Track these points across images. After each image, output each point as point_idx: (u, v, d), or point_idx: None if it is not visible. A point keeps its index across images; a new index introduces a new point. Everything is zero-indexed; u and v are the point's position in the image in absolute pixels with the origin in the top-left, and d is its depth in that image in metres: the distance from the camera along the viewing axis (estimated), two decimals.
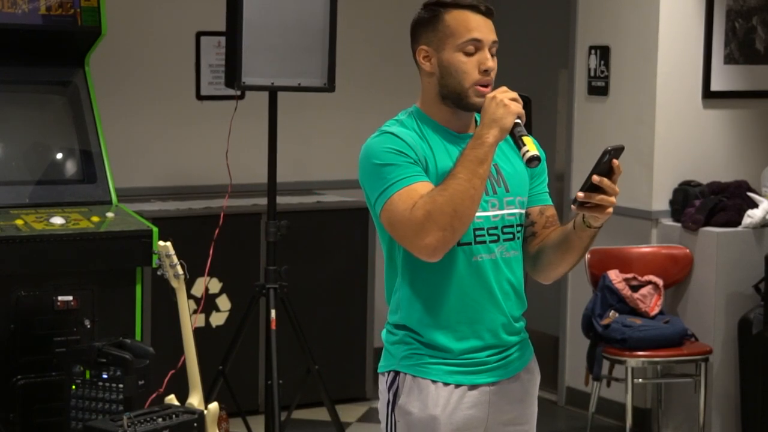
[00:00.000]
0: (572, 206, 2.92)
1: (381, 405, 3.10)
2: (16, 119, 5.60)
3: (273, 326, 5.32)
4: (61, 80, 5.64)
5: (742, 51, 6.36)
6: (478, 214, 2.95)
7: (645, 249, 6.13)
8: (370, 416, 6.47)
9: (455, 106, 3.04)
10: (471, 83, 3.00)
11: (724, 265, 5.96)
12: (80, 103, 5.61)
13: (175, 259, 4.92)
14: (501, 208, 3.05)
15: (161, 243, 4.95)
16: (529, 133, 2.96)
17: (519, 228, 3.09)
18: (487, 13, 3.03)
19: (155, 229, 5.34)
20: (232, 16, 5.22)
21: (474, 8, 3.01)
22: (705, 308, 6.01)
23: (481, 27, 3.00)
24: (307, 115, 7.00)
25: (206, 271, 5.63)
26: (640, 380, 6.02)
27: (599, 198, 2.87)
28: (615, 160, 2.86)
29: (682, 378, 6.03)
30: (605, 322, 5.82)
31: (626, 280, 5.95)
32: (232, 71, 5.21)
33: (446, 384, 3.02)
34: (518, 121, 2.91)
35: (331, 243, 6.53)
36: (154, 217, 5.89)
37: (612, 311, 5.85)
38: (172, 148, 6.72)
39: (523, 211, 3.11)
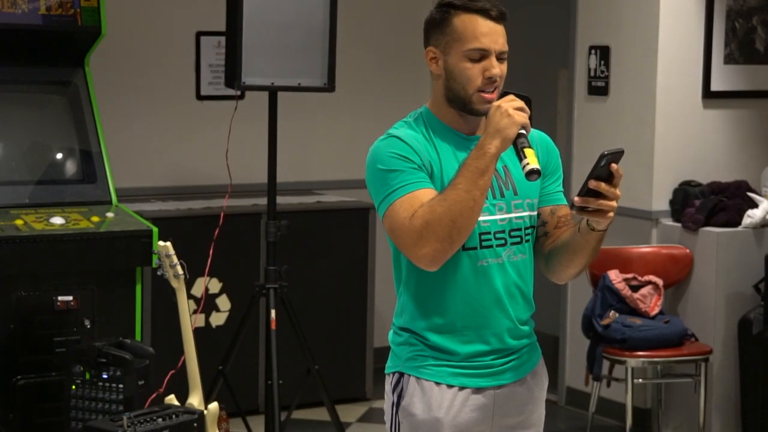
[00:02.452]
0: (571, 210, 2.91)
1: (386, 406, 3.10)
2: (16, 119, 5.60)
3: (273, 326, 5.32)
4: (61, 80, 5.64)
5: (742, 51, 6.36)
6: (484, 217, 2.94)
7: (645, 249, 6.12)
8: (370, 416, 6.47)
9: (461, 110, 3.01)
10: (474, 89, 2.97)
11: (724, 265, 5.96)
12: (80, 103, 5.61)
13: (175, 259, 4.91)
14: (509, 211, 3.03)
15: (161, 243, 4.95)
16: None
17: (528, 231, 3.06)
18: (498, 18, 2.97)
19: (155, 229, 5.34)
20: (232, 16, 5.22)
21: (484, 13, 2.96)
22: (705, 308, 6.01)
23: (489, 33, 2.96)
24: (307, 115, 6.99)
25: (206, 271, 5.63)
26: (640, 380, 6.02)
27: (598, 202, 2.84)
28: (614, 165, 2.83)
29: (682, 378, 6.03)
30: (605, 322, 5.82)
31: (626, 280, 5.95)
32: (232, 71, 5.21)
33: (450, 386, 3.01)
34: (522, 131, 2.88)
35: (331, 243, 6.53)
36: (154, 217, 5.89)
37: (612, 311, 5.85)
38: (172, 148, 6.72)
39: (533, 213, 3.08)
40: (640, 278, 5.98)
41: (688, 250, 6.06)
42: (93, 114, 5.61)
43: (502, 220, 3.01)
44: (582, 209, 2.86)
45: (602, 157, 2.81)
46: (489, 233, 2.99)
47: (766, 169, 6.24)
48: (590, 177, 2.82)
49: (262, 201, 5.96)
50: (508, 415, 3.08)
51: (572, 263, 3.04)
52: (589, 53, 6.45)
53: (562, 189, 3.16)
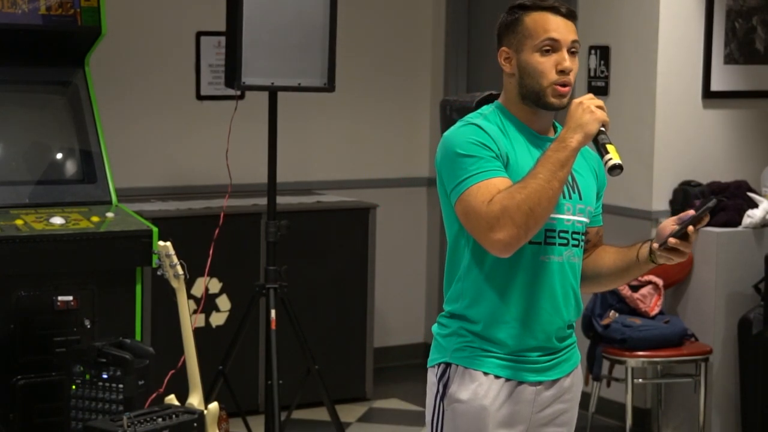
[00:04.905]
0: (655, 245, 3.03)
1: (429, 398, 3.12)
2: (16, 119, 5.59)
3: (273, 326, 5.32)
4: (61, 80, 5.64)
5: (742, 51, 6.36)
6: (552, 215, 2.99)
7: None
8: (370, 416, 6.47)
9: (535, 105, 3.07)
10: (549, 83, 3.02)
11: (724, 265, 5.96)
12: (80, 103, 5.61)
13: (175, 259, 4.91)
14: (574, 214, 3.09)
15: (161, 243, 4.95)
16: None
17: (583, 237, 3.14)
18: (567, 15, 3.06)
19: (155, 229, 5.34)
20: (232, 16, 5.22)
21: (554, 9, 3.05)
22: (705, 308, 6.01)
23: (559, 28, 3.03)
24: (307, 115, 6.99)
25: (206, 271, 5.63)
26: (640, 380, 6.02)
27: (684, 245, 2.99)
28: (707, 215, 3.00)
29: (682, 378, 6.03)
30: (605, 322, 5.82)
31: None
32: (232, 71, 5.21)
33: (497, 377, 3.05)
34: (602, 128, 2.96)
35: (331, 243, 6.53)
36: (154, 217, 5.89)
37: (612, 311, 5.85)
38: (172, 148, 6.72)
39: (588, 221, 3.17)
40: (639, 278, 5.98)
41: None
42: (93, 114, 5.60)
43: (568, 221, 3.08)
44: (669, 248, 3.00)
45: (707, 208, 2.96)
46: (554, 231, 3.05)
47: (766, 169, 6.24)
48: (690, 223, 2.97)
49: (262, 201, 5.96)
50: (545, 412, 3.12)
51: (613, 284, 3.24)
52: (589, 53, 6.45)
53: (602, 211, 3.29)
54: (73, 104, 5.61)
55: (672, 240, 2.97)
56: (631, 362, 5.78)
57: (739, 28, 6.32)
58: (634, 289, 5.94)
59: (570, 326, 3.14)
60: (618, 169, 2.93)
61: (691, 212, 3.02)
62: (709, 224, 5.96)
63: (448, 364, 3.08)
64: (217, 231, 5.53)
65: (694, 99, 6.28)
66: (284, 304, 5.40)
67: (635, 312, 5.89)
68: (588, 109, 2.94)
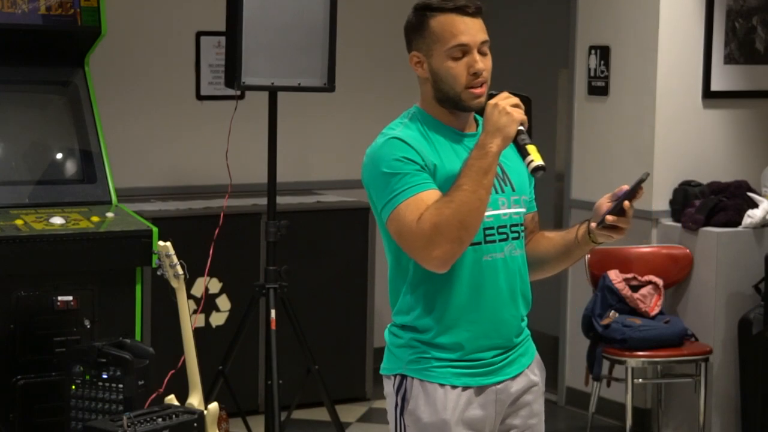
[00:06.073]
0: (592, 224, 2.98)
1: (389, 407, 3.10)
2: (16, 119, 5.60)
3: (273, 326, 5.32)
4: (61, 80, 5.64)
5: (742, 51, 6.36)
6: (488, 213, 2.96)
7: (645, 249, 6.12)
8: (370, 416, 6.47)
9: (453, 108, 3.04)
10: (463, 87, 2.99)
11: (724, 265, 5.96)
12: (80, 103, 5.61)
13: (175, 259, 4.91)
14: (509, 207, 3.06)
15: (161, 243, 4.95)
16: (530, 133, 2.97)
17: (522, 227, 3.11)
18: (474, 14, 3.00)
19: (155, 229, 5.34)
20: (232, 16, 5.22)
21: (459, 10, 2.99)
22: (705, 308, 6.01)
23: (467, 30, 2.98)
24: (307, 115, 6.99)
25: (206, 271, 5.62)
26: (640, 380, 6.02)
27: (623, 222, 2.96)
28: (642, 188, 2.95)
29: (682, 378, 6.03)
30: (605, 322, 5.82)
31: (626, 280, 5.94)
32: (232, 71, 5.21)
33: (454, 387, 3.02)
34: (521, 128, 2.92)
35: (331, 243, 6.53)
36: (154, 217, 5.90)
37: (612, 311, 5.85)
38: (172, 148, 6.72)
39: (525, 211, 3.13)
40: (640, 278, 5.98)
41: (688, 250, 6.05)
42: (93, 114, 5.61)
43: (504, 215, 3.05)
44: (608, 226, 2.96)
45: (640, 180, 2.92)
46: (492, 228, 3.02)
47: (766, 169, 6.23)
48: (625, 198, 2.93)
49: (262, 201, 5.96)
50: (512, 409, 3.11)
51: (556, 268, 3.18)
52: (589, 53, 6.45)
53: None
54: (73, 104, 5.61)
55: (609, 217, 2.93)
56: (631, 362, 5.78)
57: (739, 28, 6.33)
58: (634, 289, 5.94)
59: (523, 319, 3.12)
60: (541, 171, 2.90)
61: (625, 187, 2.98)
62: (709, 224, 6.00)
63: (404, 377, 3.05)
64: (217, 231, 5.52)
65: (694, 99, 6.28)
66: (284, 304, 5.40)
67: (635, 312, 5.89)
68: (504, 110, 2.90)
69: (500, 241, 3.03)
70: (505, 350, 3.07)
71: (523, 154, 2.92)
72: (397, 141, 2.97)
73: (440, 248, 2.86)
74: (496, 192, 3.01)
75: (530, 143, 2.92)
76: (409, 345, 3.05)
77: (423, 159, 2.95)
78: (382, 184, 2.95)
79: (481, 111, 3.00)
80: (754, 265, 5.93)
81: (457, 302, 3.00)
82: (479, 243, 2.99)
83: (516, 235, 3.07)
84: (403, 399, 3.04)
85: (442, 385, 3.02)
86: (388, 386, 3.10)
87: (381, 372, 3.13)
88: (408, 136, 2.98)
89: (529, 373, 3.13)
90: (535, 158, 2.90)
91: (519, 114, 2.91)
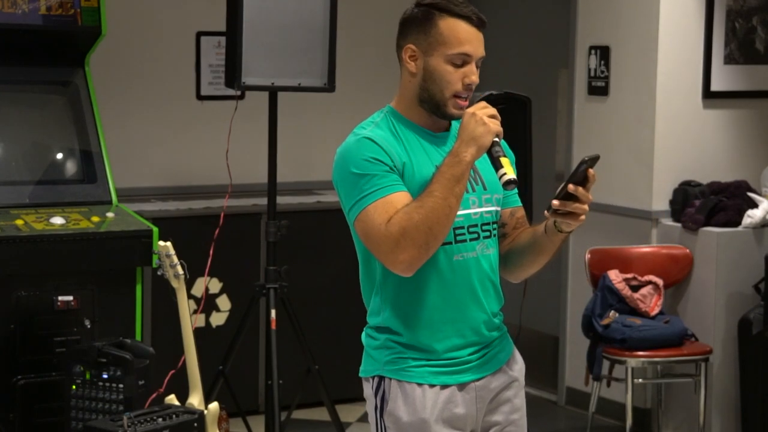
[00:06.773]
0: (545, 212, 2.94)
1: (369, 409, 3.11)
2: (16, 119, 5.60)
3: (273, 326, 5.32)
4: (61, 80, 5.64)
5: (742, 51, 6.36)
6: (458, 212, 2.95)
7: (645, 249, 6.13)
8: None
9: (431, 111, 3.04)
10: (452, 94, 2.99)
11: (724, 265, 5.96)
12: (80, 103, 5.61)
13: (175, 259, 4.92)
14: (480, 206, 3.06)
15: (161, 243, 4.95)
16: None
17: (495, 225, 3.11)
18: (479, 26, 3.01)
19: (155, 229, 5.34)
20: (232, 16, 5.22)
21: (468, 19, 2.99)
22: (705, 308, 6.01)
23: (472, 40, 2.99)
24: (307, 115, 7.00)
25: (206, 271, 5.63)
26: (640, 380, 6.02)
27: (574, 206, 2.89)
28: (591, 170, 2.88)
29: (682, 378, 6.03)
30: (605, 322, 5.82)
31: (626, 280, 5.95)
32: (232, 71, 5.21)
33: (432, 386, 3.03)
34: (496, 139, 2.92)
35: (331, 243, 6.52)
36: (154, 217, 5.90)
37: (612, 311, 5.85)
38: (172, 148, 6.72)
39: (499, 209, 3.13)
40: (640, 278, 5.98)
41: (688, 250, 6.06)
42: (93, 114, 5.61)
43: (475, 214, 3.05)
44: (556, 212, 2.91)
45: (582, 162, 2.86)
46: (463, 228, 3.02)
47: (766, 169, 6.24)
48: (569, 181, 2.87)
49: (262, 201, 5.96)
50: (493, 405, 3.11)
51: (533, 263, 3.13)
52: (589, 53, 6.45)
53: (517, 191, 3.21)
54: (73, 104, 5.61)
55: (555, 202, 2.90)
56: (631, 362, 5.78)
57: (739, 28, 6.33)
58: (634, 289, 5.94)
59: (497, 315, 3.11)
60: (512, 184, 2.89)
61: (591, 172, 2.92)
62: (709, 224, 6.01)
63: (381, 378, 3.06)
64: (217, 231, 5.53)
65: (694, 99, 6.28)
66: (284, 304, 5.41)
67: (635, 312, 5.89)
68: (481, 121, 2.90)
69: (471, 240, 3.03)
70: (481, 347, 3.08)
71: (497, 166, 2.91)
72: (367, 141, 2.97)
73: (406, 252, 2.86)
74: (467, 191, 3.00)
75: (504, 156, 2.92)
76: (385, 346, 3.06)
77: (392, 159, 2.95)
78: (350, 184, 2.95)
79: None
80: (754, 265, 5.93)
81: (428, 302, 3.01)
82: (450, 243, 2.99)
83: (487, 233, 3.07)
84: (383, 400, 3.05)
85: (420, 384, 3.02)
86: (367, 388, 3.10)
87: (360, 374, 3.14)
88: (378, 136, 2.98)
89: (507, 369, 3.14)
90: (508, 171, 2.89)
91: (495, 125, 2.91)
